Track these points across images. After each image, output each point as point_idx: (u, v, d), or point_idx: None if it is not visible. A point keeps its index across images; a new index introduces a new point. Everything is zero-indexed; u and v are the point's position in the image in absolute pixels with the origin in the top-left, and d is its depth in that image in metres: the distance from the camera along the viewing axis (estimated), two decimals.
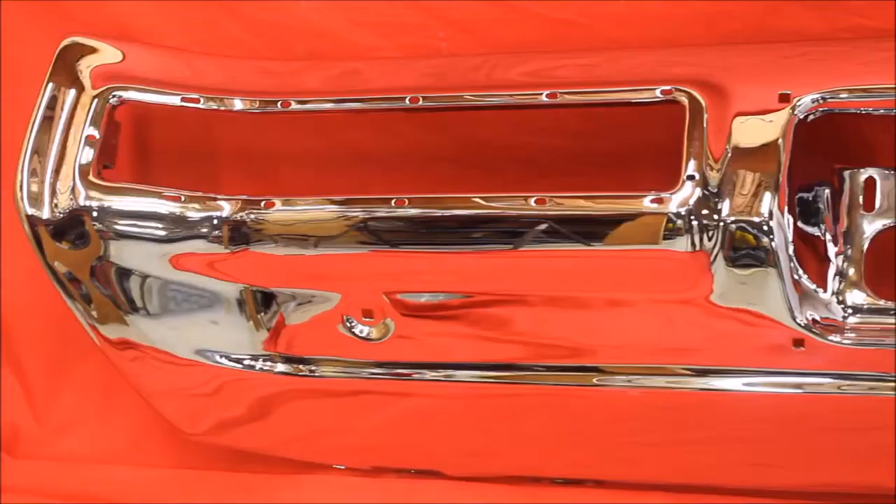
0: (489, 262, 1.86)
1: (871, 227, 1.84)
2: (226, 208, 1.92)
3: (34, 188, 1.95)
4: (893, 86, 1.73)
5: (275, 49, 2.09)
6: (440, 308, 1.93)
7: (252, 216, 1.90)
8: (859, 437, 1.84)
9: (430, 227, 1.86)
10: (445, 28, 2.03)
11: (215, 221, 1.91)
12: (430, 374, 1.96)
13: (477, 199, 1.84)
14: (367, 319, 1.94)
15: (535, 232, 1.81)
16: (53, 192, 1.94)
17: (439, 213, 1.85)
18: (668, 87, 1.80)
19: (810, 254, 1.82)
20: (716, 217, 1.74)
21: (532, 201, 1.80)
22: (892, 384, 1.77)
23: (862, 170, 1.85)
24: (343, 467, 2.10)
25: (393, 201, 1.86)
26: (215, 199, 1.92)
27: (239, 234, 1.90)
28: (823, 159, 1.86)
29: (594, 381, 1.90)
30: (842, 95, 1.74)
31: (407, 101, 1.90)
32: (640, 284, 1.83)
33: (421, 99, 1.90)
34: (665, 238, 1.77)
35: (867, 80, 1.74)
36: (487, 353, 1.94)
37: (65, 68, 2.00)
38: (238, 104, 1.97)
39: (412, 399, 1.99)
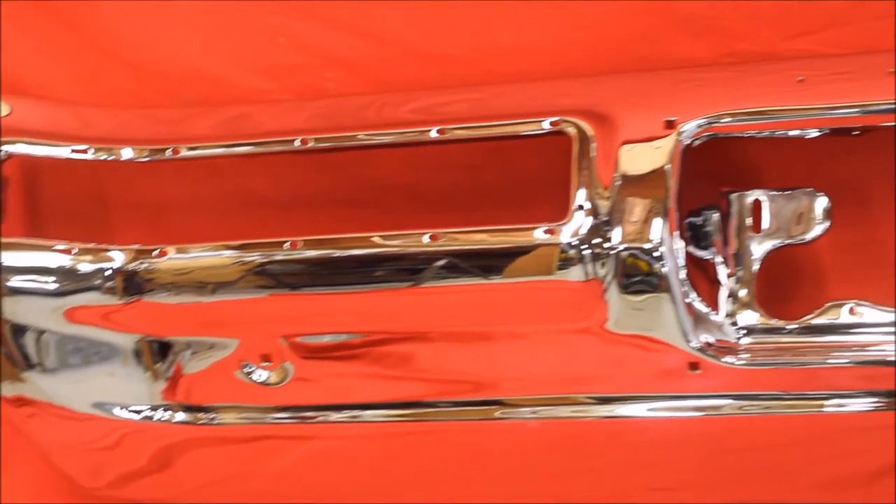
0: (387, 301, 1.86)
1: (760, 248, 1.86)
2: (118, 259, 1.90)
3: None
4: (775, 108, 1.75)
5: (164, 97, 2.09)
6: (341, 348, 1.93)
7: (145, 265, 1.88)
8: (760, 455, 1.85)
9: (325, 269, 1.85)
10: (333, 69, 2.04)
11: (108, 273, 1.89)
12: (334, 416, 1.95)
13: (371, 239, 1.84)
14: (266, 364, 1.92)
15: (431, 268, 1.81)
16: None
17: (334, 254, 1.84)
18: (555, 119, 1.82)
19: (702, 277, 1.84)
20: (607, 245, 1.75)
21: (426, 238, 1.81)
22: (789, 402, 1.79)
23: (748, 192, 1.87)
24: None
25: (287, 244, 1.85)
26: (107, 250, 1.91)
27: (132, 285, 1.88)
28: (711, 183, 1.88)
29: (496, 414, 1.89)
30: (725, 120, 1.76)
31: (297, 143, 1.90)
32: (537, 315, 1.84)
33: (311, 140, 1.90)
34: (559, 268, 1.78)
35: (749, 104, 1.77)
36: (391, 391, 1.93)
37: None
38: (127, 153, 1.95)
39: (317, 441, 1.98)
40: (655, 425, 1.86)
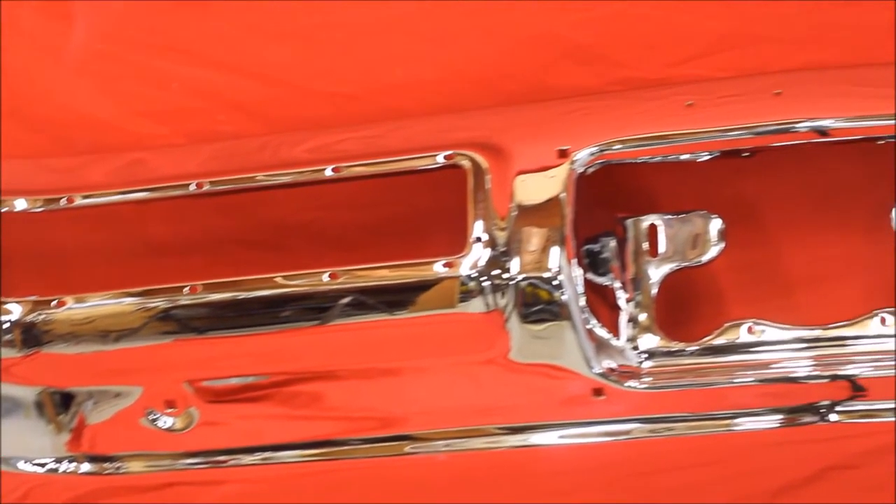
0: (292, 341, 1.85)
1: (657, 272, 1.88)
2: (16, 311, 1.88)
3: None
4: (666, 133, 1.77)
5: (56, 145, 2.07)
6: (248, 390, 1.92)
7: (43, 317, 1.86)
8: (669, 477, 1.87)
9: (227, 312, 1.85)
10: (226, 111, 2.04)
11: (6, 325, 1.87)
12: (245, 459, 1.94)
13: (273, 279, 1.84)
14: (171, 410, 1.91)
15: (333, 306, 1.81)
16: None
17: (236, 296, 1.84)
18: (449, 152, 1.83)
19: (602, 303, 1.85)
20: (506, 276, 1.76)
21: (325, 276, 1.81)
22: (694, 423, 1.80)
23: (644, 217, 1.89)
24: None
25: (187, 289, 1.84)
26: (4, 303, 1.88)
27: (31, 337, 1.86)
28: (606, 210, 1.89)
29: (407, 449, 1.89)
30: (616, 147, 1.78)
31: (193, 187, 1.89)
32: (442, 349, 1.84)
33: (207, 184, 1.89)
34: (460, 301, 1.79)
35: (640, 130, 1.79)
36: (302, 431, 1.92)
37: None
38: (21, 204, 1.93)
39: (229, 485, 1.96)
40: (567, 452, 1.86)
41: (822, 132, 1.75)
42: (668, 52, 1.92)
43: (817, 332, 1.83)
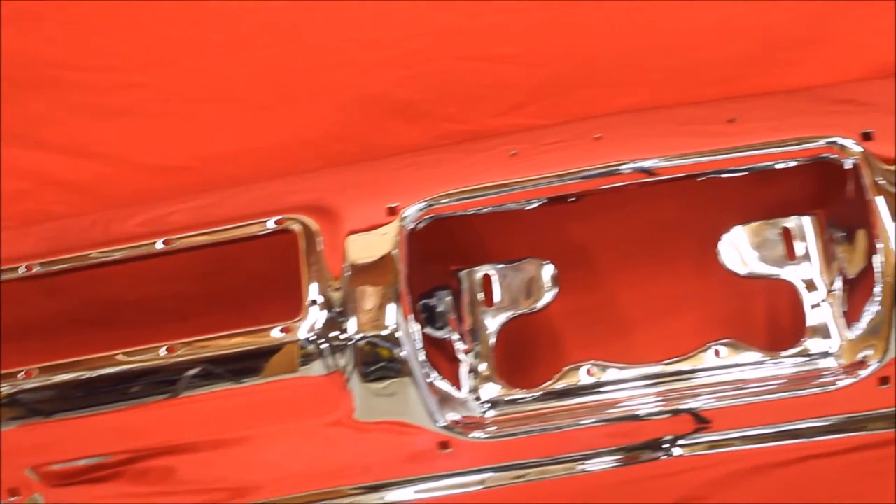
0: (136, 417, 1.83)
1: (494, 321, 1.90)
2: None
3: None
4: (492, 184, 1.80)
5: None
6: (96, 471, 1.89)
7: None
8: None
9: (66, 393, 1.82)
10: (56, 191, 2.01)
11: None
12: None
13: (110, 358, 1.82)
14: (14, 499, 1.87)
15: (175, 379, 1.80)
16: None
17: (73, 377, 1.81)
18: (279, 217, 1.83)
19: (442, 356, 1.86)
20: (344, 336, 1.77)
21: (162, 351, 1.80)
22: (541, 468, 1.81)
23: (477, 268, 1.91)
24: None
25: (22, 373, 1.81)
26: None
27: None
28: (440, 263, 1.91)
29: None
30: (444, 200, 1.80)
31: (22, 270, 1.87)
32: (288, 413, 1.84)
33: (37, 266, 1.87)
34: (301, 365, 1.79)
35: (467, 183, 1.81)
36: None
37: None
38: None
39: None
40: None
41: (646, 172, 1.78)
42: (490, 103, 1.95)
43: (656, 369, 1.86)
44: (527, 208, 1.83)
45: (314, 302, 1.78)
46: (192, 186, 1.99)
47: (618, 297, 2.00)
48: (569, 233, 1.98)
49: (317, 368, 1.78)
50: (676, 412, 1.80)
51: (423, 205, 1.80)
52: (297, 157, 1.98)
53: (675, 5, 1.90)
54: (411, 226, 1.80)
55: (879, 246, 1.73)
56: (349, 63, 1.95)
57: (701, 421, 1.80)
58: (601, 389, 1.86)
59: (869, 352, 1.76)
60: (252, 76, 1.99)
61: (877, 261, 1.73)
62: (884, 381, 1.74)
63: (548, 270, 1.88)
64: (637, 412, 1.81)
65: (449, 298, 1.90)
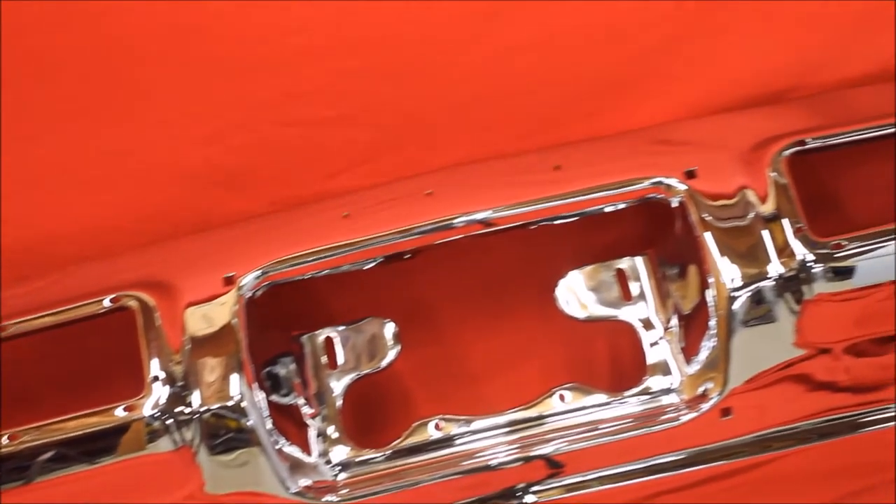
0: None
1: (339, 383, 1.90)
2: None
3: None
4: (326, 247, 1.80)
5: None
6: None
7: None
8: None
9: None
10: None
11: None
12: None
13: None
14: None
15: (24, 466, 1.77)
16: None
17: None
18: (115, 295, 1.81)
19: (289, 422, 1.85)
20: (189, 410, 1.75)
21: (5, 439, 1.76)
22: None
23: (319, 332, 1.91)
24: None
25: None
26: None
27: None
28: (281, 330, 1.90)
29: None
30: (281, 266, 1.80)
31: None
32: (139, 492, 1.81)
33: None
34: (148, 442, 1.76)
35: (302, 247, 1.81)
36: None
37: None
38: None
39: None
40: None
41: (479, 224, 1.80)
42: (318, 167, 1.95)
43: (504, 418, 1.87)
44: (364, 268, 1.84)
45: (156, 378, 1.76)
46: (30, 269, 1.96)
47: (462, 349, 2.01)
48: (408, 289, 1.99)
49: (164, 445, 1.76)
50: (528, 459, 1.82)
51: (258, 272, 1.80)
52: (127, 234, 1.96)
53: (491, 58, 1.92)
54: (249, 294, 1.79)
55: (711, 280, 1.76)
56: (175, 138, 1.94)
57: (554, 465, 1.82)
58: (452, 443, 1.87)
59: (709, 385, 1.79)
60: (73, 155, 1.96)
61: (709, 295, 1.77)
62: (726, 412, 1.78)
63: (389, 328, 1.89)
64: (489, 462, 1.82)
65: (292, 364, 1.89)
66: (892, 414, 1.85)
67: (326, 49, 1.91)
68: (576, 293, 1.91)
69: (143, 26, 1.90)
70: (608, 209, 1.83)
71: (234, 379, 1.75)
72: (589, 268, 1.92)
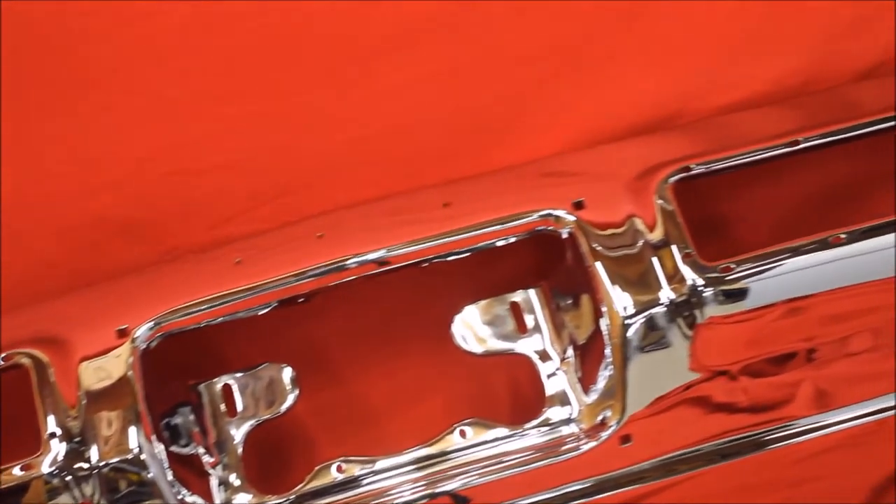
0: None
1: (239, 431, 1.89)
2: None
3: None
4: (220, 294, 1.80)
5: None
6: None
7: None
8: None
9: None
10: None
11: None
12: None
13: None
14: None
15: None
16: None
17: None
18: (6, 354, 1.79)
19: (191, 472, 1.83)
20: (88, 466, 1.73)
21: None
22: None
23: (216, 380, 1.91)
24: None
25: None
26: None
27: None
28: (178, 379, 1.89)
29: None
30: (173, 317, 1.79)
31: None
32: None
33: None
34: (49, 500, 1.74)
35: (195, 296, 1.80)
36: None
37: None
38: None
39: None
40: None
41: (372, 264, 1.81)
42: (208, 215, 1.94)
43: (406, 457, 1.87)
44: (259, 314, 1.83)
45: (53, 434, 1.74)
46: None
47: (362, 389, 2.02)
48: (305, 333, 1.99)
49: (65, 501, 1.74)
50: (434, 496, 1.82)
51: (152, 323, 1.79)
52: (17, 288, 1.94)
53: (374, 98, 1.94)
54: (143, 345, 1.78)
55: (604, 309, 1.78)
56: (65, 190, 1.92)
57: (460, 501, 1.82)
58: (356, 484, 1.86)
59: (608, 413, 1.81)
60: None
61: (603, 324, 1.78)
62: (625, 439, 1.80)
63: (287, 373, 1.89)
64: (394, 501, 1.82)
65: (191, 414, 1.88)
66: (795, 431, 1.87)
67: (211, 97, 1.91)
68: (472, 328, 1.92)
69: (33, 76, 1.89)
70: (500, 243, 1.84)
71: (132, 432, 1.74)
72: (483, 302, 1.93)
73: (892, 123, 1.88)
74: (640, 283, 1.79)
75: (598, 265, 1.79)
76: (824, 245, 1.79)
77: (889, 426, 1.88)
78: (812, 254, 1.79)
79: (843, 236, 1.79)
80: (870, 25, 1.99)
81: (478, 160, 1.95)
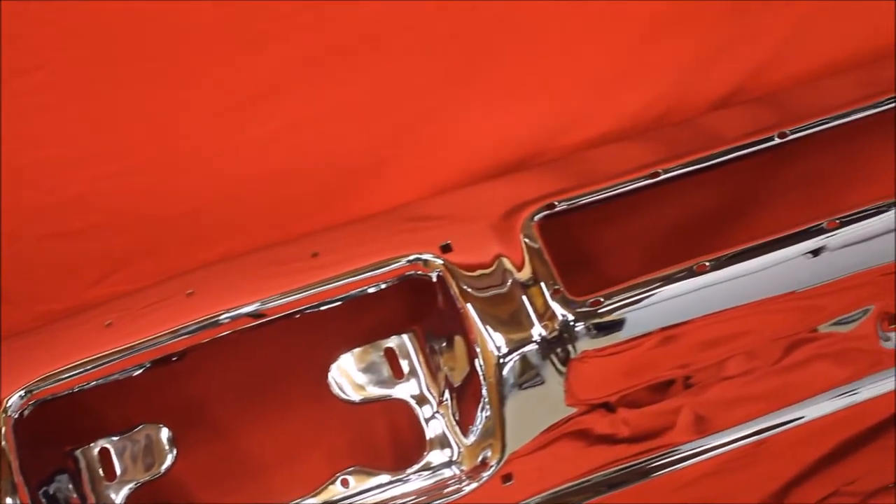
0: None
1: (119, 494, 1.87)
2: None
3: None
4: (90, 358, 1.78)
5: None
6: None
7: None
8: None
9: None
10: None
11: None
12: None
13: None
14: None
15: None
16: None
17: None
18: None
19: None
20: None
21: None
22: None
23: (92, 444, 1.89)
24: None
25: None
26: None
27: None
28: (55, 447, 1.87)
29: None
30: (45, 384, 1.77)
31: None
32: None
33: None
34: None
35: (63, 361, 1.78)
36: None
37: None
38: None
39: None
40: None
41: (244, 318, 1.81)
42: (78, 277, 1.92)
43: None
44: (133, 375, 1.82)
45: None
46: None
47: (243, 444, 2.01)
48: (182, 391, 1.97)
49: None
50: None
51: (23, 391, 1.76)
52: None
53: (239, 152, 1.93)
54: (16, 415, 1.76)
55: (478, 349, 1.79)
56: None
57: None
58: None
59: (488, 453, 1.81)
60: None
61: (478, 364, 1.79)
62: (507, 478, 1.81)
63: (164, 433, 1.87)
64: None
65: (69, 482, 1.86)
66: (678, 457, 1.89)
67: (79, 158, 1.90)
68: (349, 376, 1.92)
69: None
70: (371, 290, 1.84)
71: None
72: (358, 350, 1.93)
73: (747, 151, 1.92)
74: (512, 321, 1.80)
75: (469, 306, 1.80)
76: (690, 273, 1.81)
77: (767, 447, 1.91)
78: (679, 282, 1.81)
79: (707, 264, 1.81)
80: (724, 56, 2.03)
81: (346, 208, 1.96)
